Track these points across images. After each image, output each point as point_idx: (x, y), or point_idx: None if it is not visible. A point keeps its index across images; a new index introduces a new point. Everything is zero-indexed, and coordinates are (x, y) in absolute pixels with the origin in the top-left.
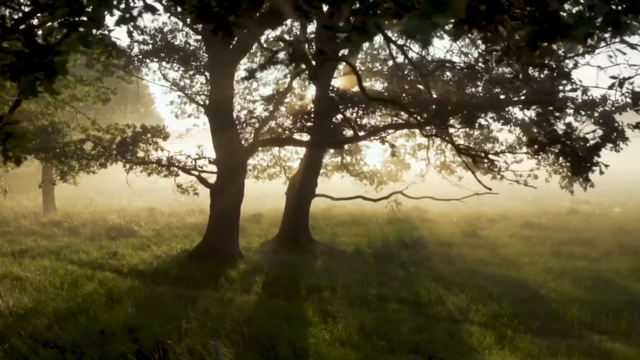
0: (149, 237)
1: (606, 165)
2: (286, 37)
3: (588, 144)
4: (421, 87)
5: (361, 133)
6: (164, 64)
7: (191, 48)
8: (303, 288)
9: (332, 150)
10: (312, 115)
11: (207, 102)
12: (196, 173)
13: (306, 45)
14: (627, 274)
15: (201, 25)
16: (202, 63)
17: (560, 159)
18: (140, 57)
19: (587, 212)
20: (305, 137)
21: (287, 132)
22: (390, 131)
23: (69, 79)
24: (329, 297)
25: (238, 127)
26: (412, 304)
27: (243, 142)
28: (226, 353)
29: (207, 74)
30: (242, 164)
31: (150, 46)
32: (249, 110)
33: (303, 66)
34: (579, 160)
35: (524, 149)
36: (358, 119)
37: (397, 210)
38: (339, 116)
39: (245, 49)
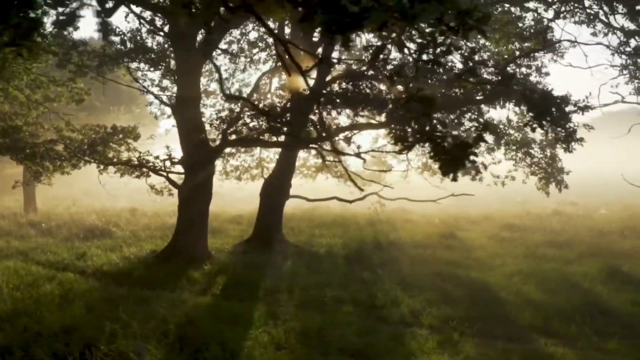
0: (125, 237)
1: (485, 167)
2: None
3: (458, 142)
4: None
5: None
6: (135, 64)
7: (160, 50)
8: (261, 290)
9: (313, 152)
10: (275, 116)
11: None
12: (164, 173)
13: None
14: (593, 276)
15: (167, 26)
16: (172, 65)
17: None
18: (114, 57)
19: (571, 213)
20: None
21: (254, 132)
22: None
23: (41, 79)
24: (285, 299)
25: (208, 127)
26: (366, 307)
27: (213, 142)
28: (156, 354)
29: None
30: (210, 165)
31: (123, 47)
32: (217, 111)
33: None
34: (447, 160)
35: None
36: (323, 119)
37: (380, 211)
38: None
39: (209, 50)
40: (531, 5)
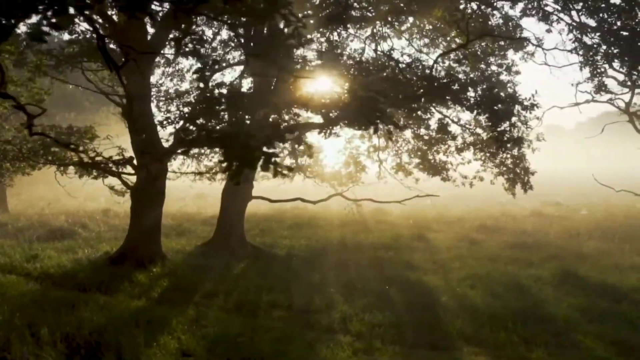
0: (88, 239)
1: (290, 169)
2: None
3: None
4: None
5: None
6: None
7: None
8: (199, 293)
9: (286, 151)
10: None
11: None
12: (117, 174)
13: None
14: (546, 280)
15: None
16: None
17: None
18: (70, 57)
19: (549, 214)
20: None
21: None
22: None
23: None
24: (220, 303)
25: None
26: (299, 311)
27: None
28: None
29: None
30: (162, 165)
31: (77, 47)
32: (165, 110)
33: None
34: (231, 166)
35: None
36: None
37: (356, 212)
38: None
39: (157, 48)
40: (498, 4)
